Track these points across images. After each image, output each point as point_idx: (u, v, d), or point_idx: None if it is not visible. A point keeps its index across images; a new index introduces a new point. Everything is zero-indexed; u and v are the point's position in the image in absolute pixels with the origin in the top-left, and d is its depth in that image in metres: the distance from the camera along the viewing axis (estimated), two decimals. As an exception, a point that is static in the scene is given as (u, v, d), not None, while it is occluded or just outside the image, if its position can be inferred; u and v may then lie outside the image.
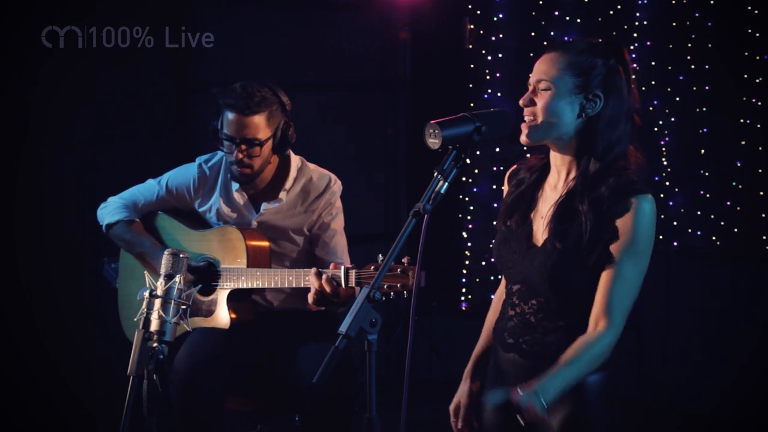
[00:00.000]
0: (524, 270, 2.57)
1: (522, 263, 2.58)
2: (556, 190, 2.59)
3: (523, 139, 2.55)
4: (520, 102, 2.55)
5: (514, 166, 2.75)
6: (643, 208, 2.46)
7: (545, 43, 5.72)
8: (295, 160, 3.74)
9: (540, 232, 2.58)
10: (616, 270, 2.46)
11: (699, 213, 5.63)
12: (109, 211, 3.83)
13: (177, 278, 2.73)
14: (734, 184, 5.56)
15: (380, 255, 2.80)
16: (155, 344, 2.67)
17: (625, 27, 5.69)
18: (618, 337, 2.47)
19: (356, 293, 3.29)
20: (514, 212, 2.64)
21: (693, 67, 5.59)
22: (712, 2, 5.54)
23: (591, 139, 2.51)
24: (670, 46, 5.63)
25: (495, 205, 2.71)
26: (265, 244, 3.65)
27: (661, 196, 5.67)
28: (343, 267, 3.28)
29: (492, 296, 2.89)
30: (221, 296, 3.60)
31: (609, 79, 2.52)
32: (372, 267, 3.20)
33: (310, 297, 3.34)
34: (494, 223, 2.75)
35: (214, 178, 3.76)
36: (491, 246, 2.82)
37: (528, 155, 2.74)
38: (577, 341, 2.47)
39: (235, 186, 3.70)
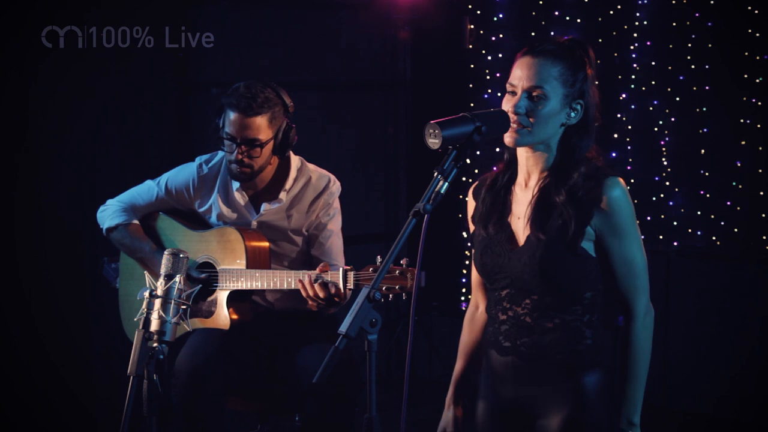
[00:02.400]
0: (512, 271, 2.57)
1: (509, 264, 2.59)
2: (527, 188, 2.61)
3: (510, 141, 2.55)
4: (513, 107, 2.52)
5: (476, 183, 2.78)
6: (615, 191, 2.51)
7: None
8: (295, 161, 3.74)
9: (520, 231, 2.60)
10: (621, 259, 2.53)
11: (699, 213, 5.63)
12: (108, 214, 3.83)
13: (177, 278, 2.73)
14: (734, 184, 5.56)
15: (378, 257, 2.80)
16: (155, 344, 2.67)
17: (625, 27, 5.69)
18: (650, 310, 2.56)
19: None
20: (490, 219, 2.66)
21: (693, 67, 5.59)
22: (712, 2, 5.54)
23: (570, 147, 2.55)
24: (670, 46, 5.63)
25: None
26: (265, 244, 3.65)
27: (661, 196, 5.67)
28: (341, 269, 3.29)
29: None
30: (221, 297, 3.60)
31: (586, 88, 2.56)
32: (371, 269, 3.20)
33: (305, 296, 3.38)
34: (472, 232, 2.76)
35: (213, 178, 3.76)
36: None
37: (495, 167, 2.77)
38: (624, 347, 2.55)
39: (235, 185, 3.70)
